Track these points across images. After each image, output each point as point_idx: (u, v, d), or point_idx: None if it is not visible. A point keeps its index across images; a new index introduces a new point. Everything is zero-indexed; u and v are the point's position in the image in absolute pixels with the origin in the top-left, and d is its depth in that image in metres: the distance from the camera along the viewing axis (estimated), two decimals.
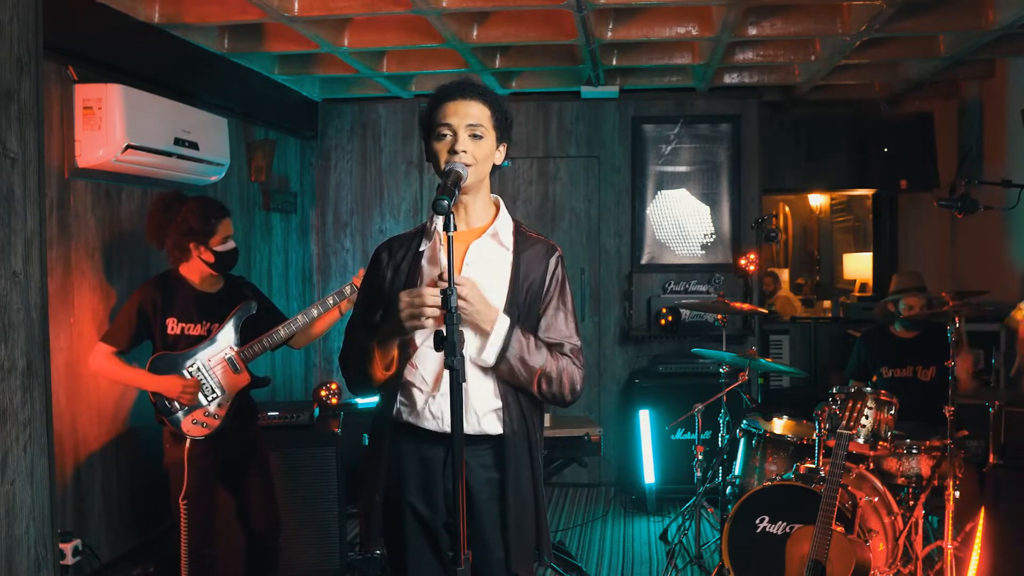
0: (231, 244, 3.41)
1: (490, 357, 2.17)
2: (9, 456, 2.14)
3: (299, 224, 6.03)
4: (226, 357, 3.38)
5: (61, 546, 3.06)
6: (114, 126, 3.47)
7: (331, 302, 3.44)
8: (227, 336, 3.40)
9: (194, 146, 3.97)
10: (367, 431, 5.20)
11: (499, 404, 2.22)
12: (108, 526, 3.79)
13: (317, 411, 4.42)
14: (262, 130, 5.36)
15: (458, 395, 1.97)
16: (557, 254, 2.32)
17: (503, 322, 2.18)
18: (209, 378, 3.35)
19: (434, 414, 2.20)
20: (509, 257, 2.27)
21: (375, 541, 2.29)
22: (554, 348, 2.26)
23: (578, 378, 2.27)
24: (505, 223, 2.32)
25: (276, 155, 5.38)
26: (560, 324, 2.28)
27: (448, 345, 1.95)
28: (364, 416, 5.20)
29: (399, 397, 2.24)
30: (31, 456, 2.20)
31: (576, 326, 2.32)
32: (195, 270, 3.40)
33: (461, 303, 2.07)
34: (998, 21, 4.08)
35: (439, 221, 2.22)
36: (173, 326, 3.36)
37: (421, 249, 2.29)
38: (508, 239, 2.29)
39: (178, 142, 3.86)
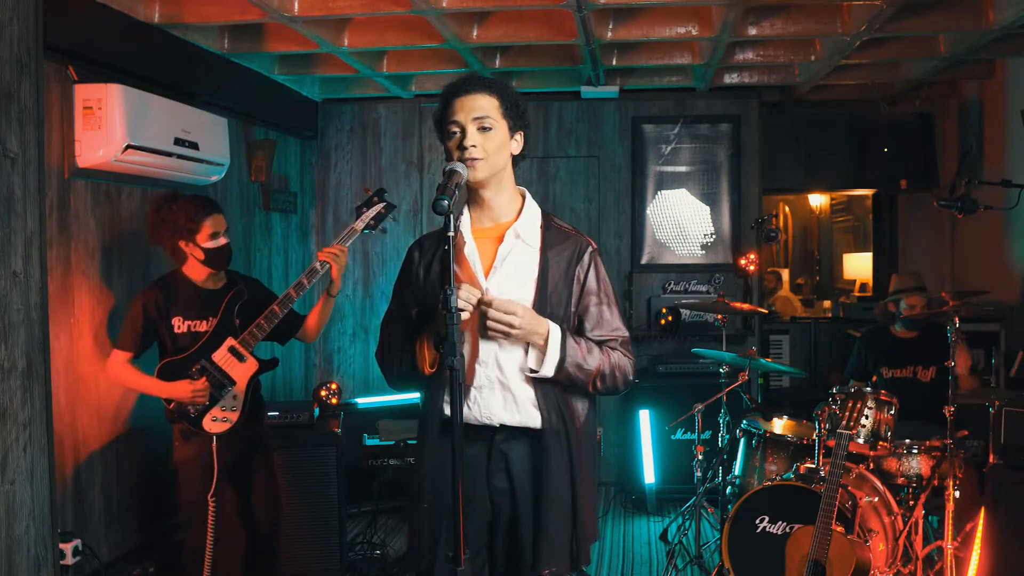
0: (222, 240, 3.39)
1: (549, 370, 2.18)
2: (9, 456, 2.14)
3: (299, 224, 6.03)
4: (228, 348, 3.38)
5: (61, 546, 3.06)
6: (114, 126, 3.46)
7: (306, 282, 3.37)
8: (225, 328, 3.40)
9: (194, 146, 3.96)
10: (367, 431, 5.21)
11: (536, 398, 2.21)
12: (108, 526, 3.78)
13: (317, 411, 4.42)
14: (262, 130, 5.36)
15: (458, 395, 1.96)
16: (590, 250, 2.30)
17: (556, 333, 2.18)
18: (217, 373, 3.36)
19: (471, 409, 2.20)
20: (536, 256, 2.25)
21: (424, 558, 2.23)
22: (605, 344, 2.26)
23: (629, 369, 2.28)
24: (530, 218, 2.29)
25: (276, 155, 5.37)
26: (606, 318, 2.28)
27: (448, 345, 1.95)
28: (364, 416, 5.22)
29: (442, 394, 2.22)
30: (31, 456, 2.20)
31: (621, 316, 2.32)
32: (195, 269, 3.41)
33: (514, 328, 2.10)
34: (998, 21, 4.08)
35: (463, 218, 2.24)
36: (179, 324, 3.38)
37: (447, 247, 2.28)
38: (534, 236, 2.26)
39: (178, 142, 3.86)
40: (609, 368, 2.24)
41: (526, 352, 2.20)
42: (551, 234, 2.28)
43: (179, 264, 3.43)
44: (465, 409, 2.19)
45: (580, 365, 2.19)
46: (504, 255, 2.24)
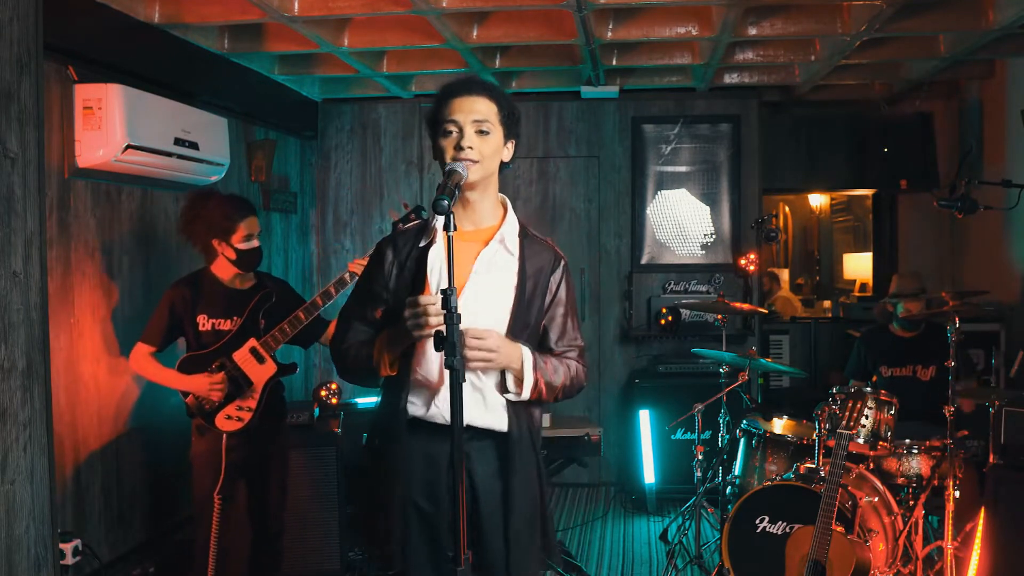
0: (254, 243, 3.45)
1: (526, 393, 2.21)
2: (9, 456, 2.14)
3: (299, 224, 6.03)
4: (249, 349, 3.41)
5: (61, 546, 3.06)
6: (114, 126, 3.47)
7: (333, 292, 3.43)
8: (248, 328, 3.43)
9: (194, 146, 3.96)
10: (366, 431, 5.18)
11: (506, 405, 2.23)
12: (108, 526, 3.78)
13: (317, 411, 4.42)
14: (262, 130, 5.36)
15: (458, 395, 1.96)
16: (563, 264, 2.33)
17: (528, 357, 2.20)
18: (236, 372, 3.39)
19: (440, 408, 2.20)
20: (515, 264, 2.26)
21: (399, 559, 2.22)
22: (565, 355, 2.32)
23: (583, 377, 2.36)
24: (512, 226, 2.30)
25: (276, 155, 5.37)
26: (569, 330, 2.34)
27: (448, 345, 1.94)
28: (364, 416, 5.19)
29: (406, 394, 2.22)
30: (31, 456, 2.21)
31: (579, 326, 2.39)
32: (224, 268, 3.46)
33: (490, 357, 2.10)
34: (998, 21, 4.08)
35: (441, 220, 2.21)
36: (204, 322, 3.43)
37: (421, 245, 2.27)
38: (514, 244, 2.27)
39: (178, 142, 3.86)
40: (570, 380, 2.30)
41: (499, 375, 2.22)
42: (528, 243, 2.30)
43: (208, 262, 3.48)
44: (432, 407, 2.21)
45: (550, 383, 2.25)
46: (488, 260, 2.24)
